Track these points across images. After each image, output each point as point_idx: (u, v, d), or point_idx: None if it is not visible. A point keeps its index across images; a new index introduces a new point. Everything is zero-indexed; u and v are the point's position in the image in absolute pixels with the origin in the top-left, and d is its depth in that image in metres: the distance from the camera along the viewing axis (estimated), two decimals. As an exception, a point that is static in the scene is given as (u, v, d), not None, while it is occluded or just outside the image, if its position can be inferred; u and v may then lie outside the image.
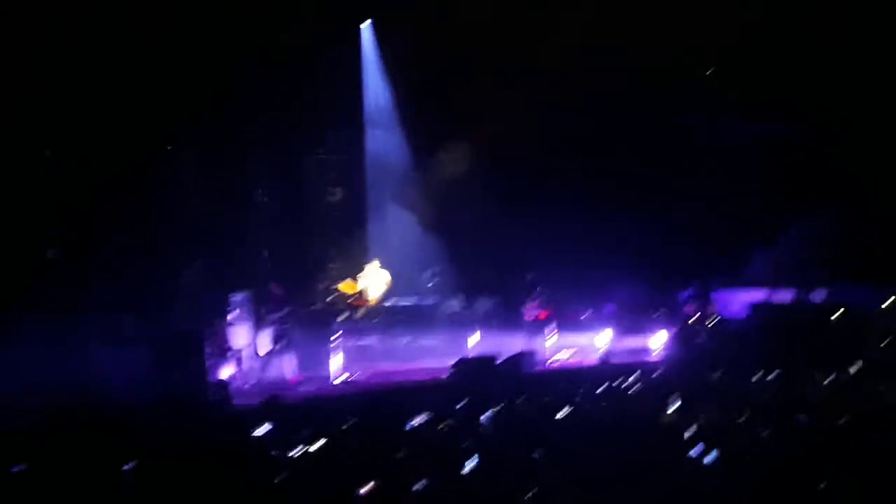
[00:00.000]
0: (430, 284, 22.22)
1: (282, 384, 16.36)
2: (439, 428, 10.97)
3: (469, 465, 8.37)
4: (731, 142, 23.05)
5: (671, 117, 23.29)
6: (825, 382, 14.11)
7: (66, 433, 10.95)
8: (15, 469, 8.37)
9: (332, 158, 23.28)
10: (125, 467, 8.68)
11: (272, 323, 17.80)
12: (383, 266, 20.15)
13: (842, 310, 19.41)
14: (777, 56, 23.28)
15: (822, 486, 7.62)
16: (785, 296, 21.53)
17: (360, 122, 23.41)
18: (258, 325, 17.93)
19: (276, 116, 21.91)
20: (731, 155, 23.18)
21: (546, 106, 23.62)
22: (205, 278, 20.19)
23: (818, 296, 21.58)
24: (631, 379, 15.24)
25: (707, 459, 8.76)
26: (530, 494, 7.70)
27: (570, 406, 12.31)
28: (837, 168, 22.86)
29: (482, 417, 11.12)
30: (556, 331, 19.90)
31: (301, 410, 13.57)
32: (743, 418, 10.95)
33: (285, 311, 17.93)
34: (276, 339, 17.48)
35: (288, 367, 17.26)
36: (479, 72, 22.79)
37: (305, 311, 19.83)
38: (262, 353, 17.76)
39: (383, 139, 23.58)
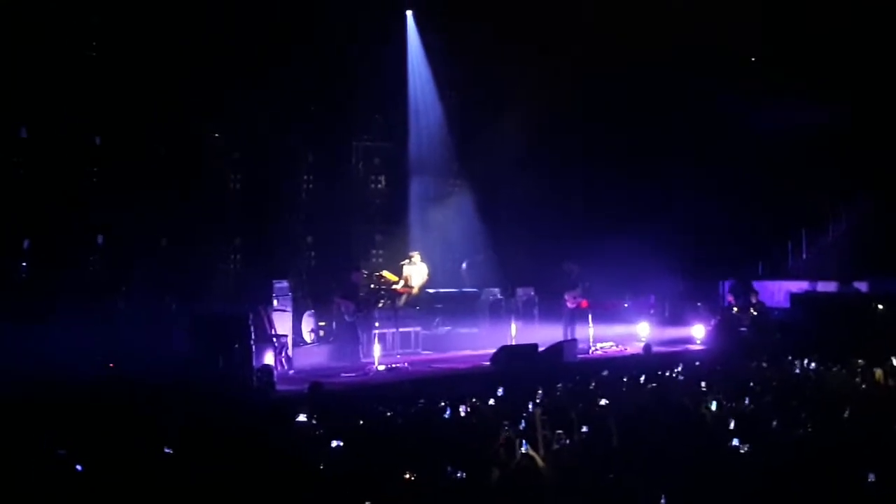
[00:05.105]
0: (470, 273, 22.21)
1: (324, 371, 16.44)
2: (478, 417, 10.98)
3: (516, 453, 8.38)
4: (774, 131, 22.90)
5: (713, 104, 23.16)
6: (870, 373, 14.00)
7: (105, 413, 11.01)
8: (61, 452, 8.43)
9: (377, 146, 23.32)
10: (166, 450, 8.74)
11: (315, 309, 17.96)
12: (424, 254, 20.16)
13: (885, 301, 19.26)
14: (818, 42, 23.13)
15: (868, 478, 7.57)
16: (827, 286, 21.40)
17: (405, 110, 23.41)
18: (301, 311, 18.09)
19: (322, 102, 21.95)
20: (773, 144, 23.06)
21: (586, 92, 23.58)
22: (248, 263, 20.36)
23: (860, 287, 21.46)
24: (675, 369, 15.22)
25: (745, 449, 8.73)
26: (565, 481, 7.71)
27: (614, 394, 12.29)
28: (878, 158, 22.69)
29: (529, 406, 11.07)
30: (597, 320, 19.82)
31: (343, 398, 13.62)
32: (785, 409, 10.89)
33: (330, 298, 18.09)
34: (319, 327, 17.60)
35: (330, 354, 17.38)
36: (520, 58, 22.75)
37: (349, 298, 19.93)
38: (305, 339, 17.90)
39: (427, 128, 23.59)
